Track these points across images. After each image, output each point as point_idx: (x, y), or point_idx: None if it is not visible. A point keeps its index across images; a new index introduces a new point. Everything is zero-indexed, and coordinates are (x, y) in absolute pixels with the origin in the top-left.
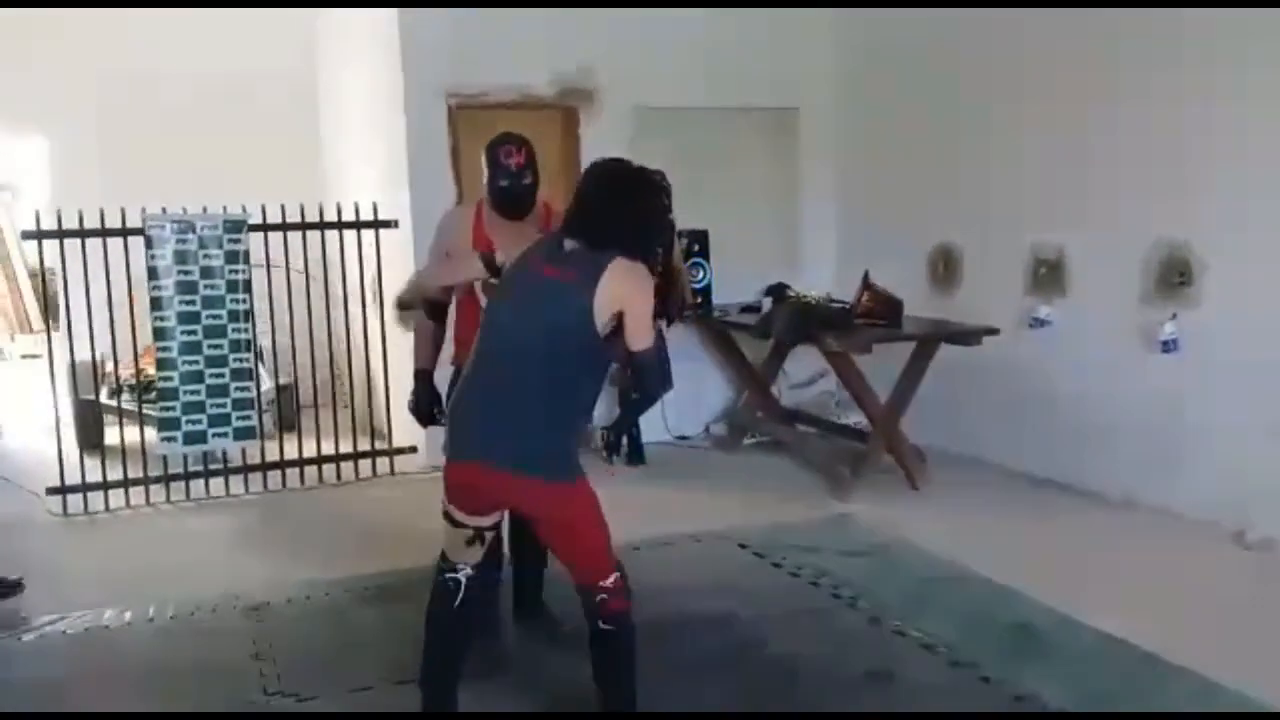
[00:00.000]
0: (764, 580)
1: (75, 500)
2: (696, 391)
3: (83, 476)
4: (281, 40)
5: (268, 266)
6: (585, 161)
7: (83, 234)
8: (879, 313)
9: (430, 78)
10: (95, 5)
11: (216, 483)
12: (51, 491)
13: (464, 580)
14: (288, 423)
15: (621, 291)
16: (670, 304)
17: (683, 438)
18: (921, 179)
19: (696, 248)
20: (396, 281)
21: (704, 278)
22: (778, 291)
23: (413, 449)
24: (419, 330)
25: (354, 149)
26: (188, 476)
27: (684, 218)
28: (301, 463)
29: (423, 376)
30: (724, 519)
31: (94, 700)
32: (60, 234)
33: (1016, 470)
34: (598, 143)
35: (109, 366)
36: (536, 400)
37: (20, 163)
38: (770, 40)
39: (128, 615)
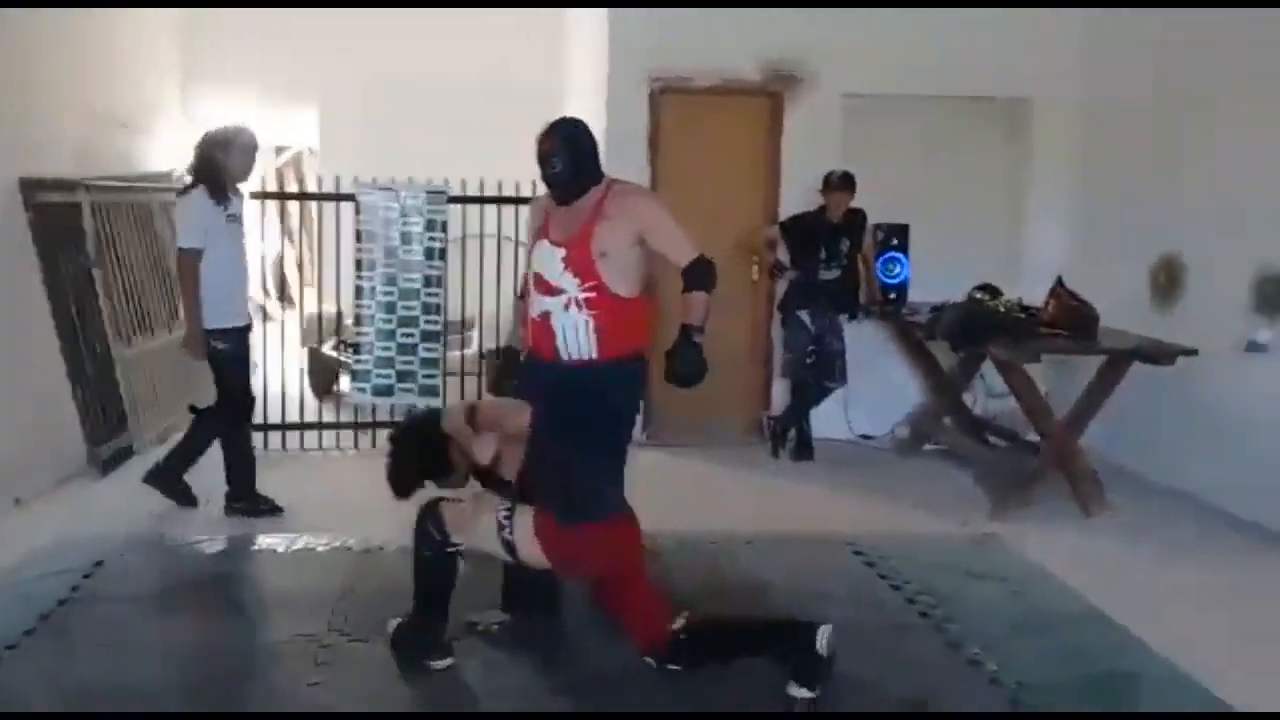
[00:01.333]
0: (858, 590)
1: (287, 438)
2: (885, 390)
3: (283, 417)
4: (529, 37)
5: (498, 237)
6: (789, 150)
7: (302, 196)
8: (1065, 323)
9: (634, 61)
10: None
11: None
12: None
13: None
14: (496, 385)
15: None
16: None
17: (866, 437)
18: (1152, 184)
19: (895, 242)
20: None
21: (900, 273)
22: (983, 293)
23: None
24: (516, 311)
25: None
26: (374, 425)
27: (885, 210)
28: None
29: (509, 354)
30: (856, 523)
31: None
32: (282, 196)
33: (1217, 508)
34: (802, 130)
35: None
36: None
37: (296, 131)
38: (1002, 26)
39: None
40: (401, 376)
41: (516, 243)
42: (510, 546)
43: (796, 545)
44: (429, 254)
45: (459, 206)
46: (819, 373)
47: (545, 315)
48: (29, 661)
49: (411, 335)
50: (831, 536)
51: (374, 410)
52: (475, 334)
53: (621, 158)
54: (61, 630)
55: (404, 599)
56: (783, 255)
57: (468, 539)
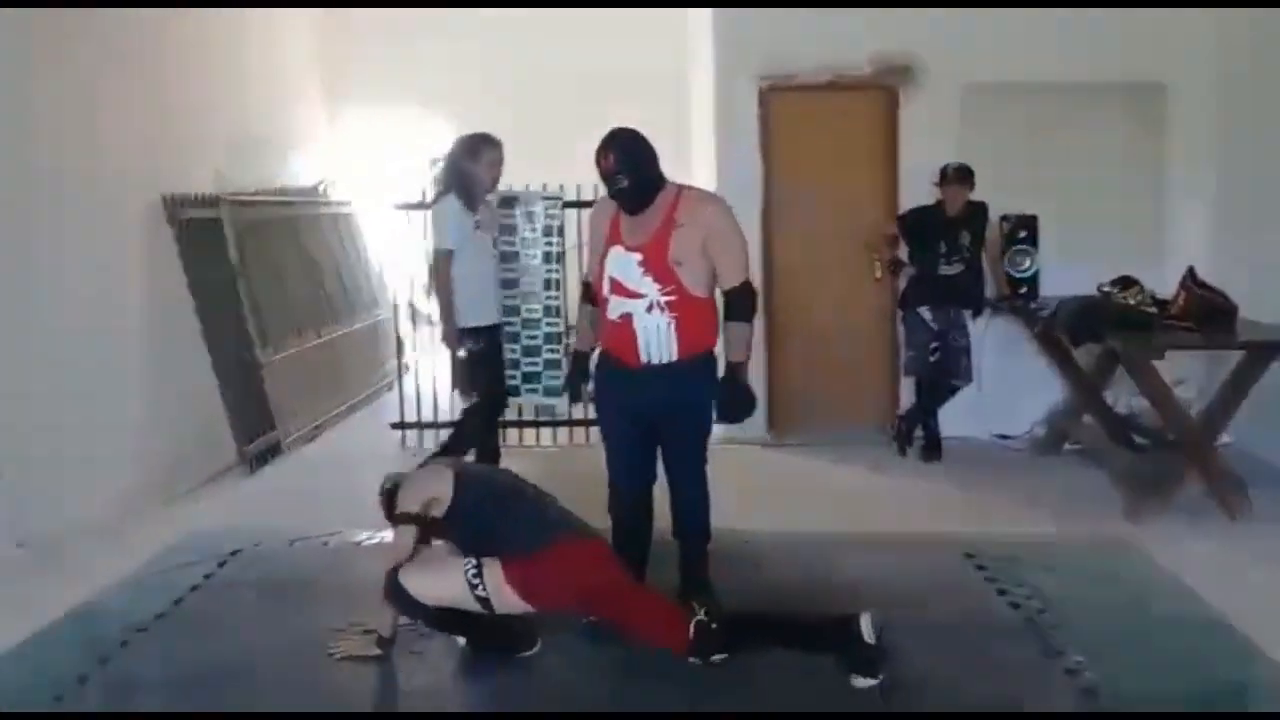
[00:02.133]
0: (962, 592)
1: (413, 436)
2: (1022, 388)
3: (419, 415)
4: (660, 38)
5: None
6: (906, 144)
7: (423, 206)
8: (1195, 315)
9: (742, 60)
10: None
11: (529, 431)
12: (394, 426)
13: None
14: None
15: None
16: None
17: (1003, 437)
18: None
19: (1022, 234)
20: None
21: (1029, 266)
22: (1116, 285)
23: None
24: (581, 313)
25: (694, 137)
26: (503, 425)
27: (1012, 201)
28: (579, 423)
29: (580, 358)
30: (977, 525)
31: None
32: (408, 206)
33: None
34: (919, 123)
35: None
36: None
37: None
38: (1130, 9)
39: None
40: (527, 378)
41: None
42: (485, 602)
43: (908, 546)
44: (547, 258)
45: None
46: (943, 370)
47: (626, 318)
48: (153, 642)
49: (535, 338)
50: (946, 538)
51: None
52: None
53: (733, 157)
54: (188, 616)
55: None
56: (902, 251)
57: (438, 603)
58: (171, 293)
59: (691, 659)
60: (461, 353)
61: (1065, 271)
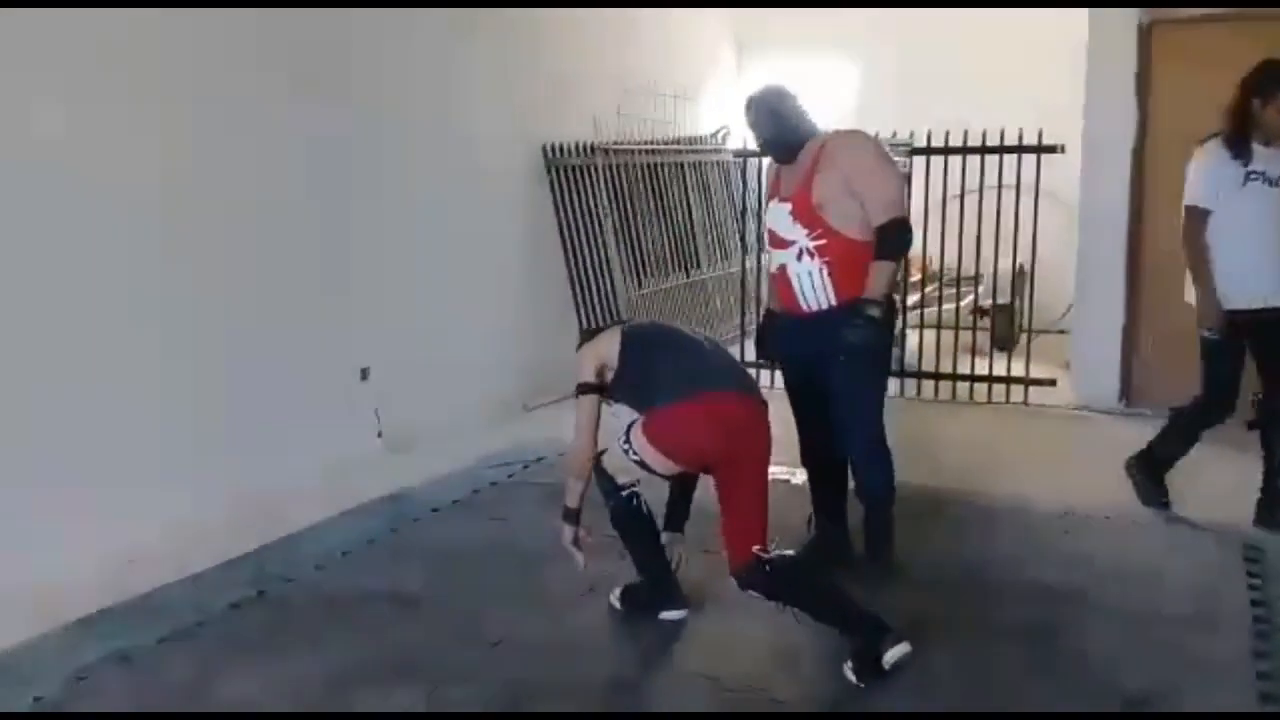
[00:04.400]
0: (1206, 582)
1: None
2: None
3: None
4: None
5: (999, 188)
6: None
7: (745, 154)
8: None
9: None
10: None
11: None
12: None
13: (638, 493)
14: (1001, 342)
15: None
16: None
17: None
18: None
19: None
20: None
21: None
22: None
23: (1051, 382)
24: (767, 270)
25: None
26: None
27: None
28: (927, 375)
29: (770, 315)
30: None
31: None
32: (745, 154)
33: None
34: None
35: None
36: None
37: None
38: None
39: None
40: None
41: (1018, 192)
42: (640, 463)
43: (1191, 532)
44: None
45: (973, 158)
46: None
47: (782, 269)
48: (439, 521)
49: None
50: (1236, 529)
51: None
52: (979, 289)
53: (1105, 101)
54: (476, 504)
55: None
56: None
57: (622, 474)
58: (545, 233)
59: (734, 579)
60: (1206, 333)
61: None
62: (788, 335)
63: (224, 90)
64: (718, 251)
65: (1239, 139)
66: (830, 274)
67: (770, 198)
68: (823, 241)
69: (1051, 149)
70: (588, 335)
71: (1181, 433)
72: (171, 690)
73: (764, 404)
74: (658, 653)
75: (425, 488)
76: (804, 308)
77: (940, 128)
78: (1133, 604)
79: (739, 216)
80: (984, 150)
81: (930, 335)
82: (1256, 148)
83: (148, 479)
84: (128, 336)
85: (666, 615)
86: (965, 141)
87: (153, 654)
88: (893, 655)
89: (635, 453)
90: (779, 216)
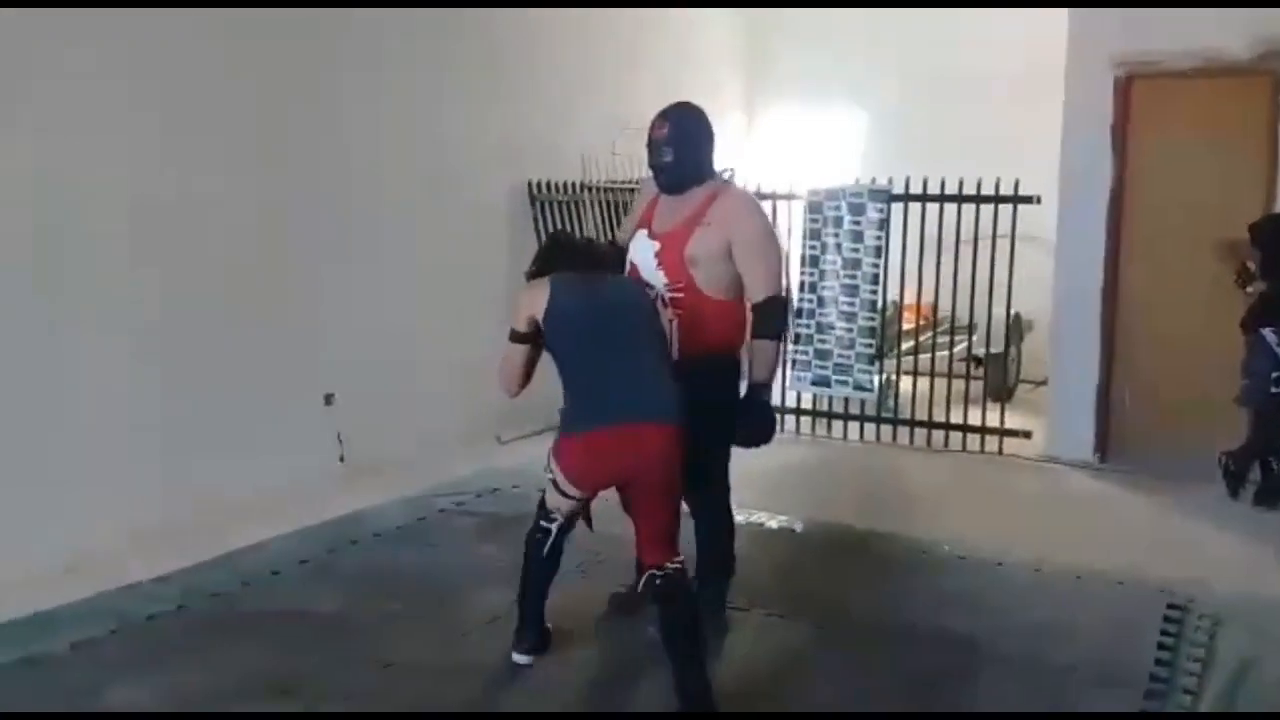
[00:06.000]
0: (1117, 638)
1: None
2: None
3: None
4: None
5: (993, 238)
6: None
7: (774, 196)
8: None
9: (1096, 44)
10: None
11: (838, 423)
12: None
13: (554, 532)
14: (994, 392)
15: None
16: None
17: None
18: None
19: None
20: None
21: None
22: None
23: (1027, 434)
24: None
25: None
26: (814, 414)
27: None
28: (902, 422)
29: None
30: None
31: None
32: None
33: None
34: None
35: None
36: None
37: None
38: None
39: None
40: (838, 369)
41: (1013, 240)
42: (554, 483)
43: (1118, 588)
44: (870, 251)
45: (966, 207)
46: None
47: None
48: (377, 547)
49: (850, 330)
50: (1177, 584)
51: (814, 400)
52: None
53: (1081, 151)
54: (415, 531)
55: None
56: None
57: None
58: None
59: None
60: None
61: None
62: None
63: (200, 102)
64: None
65: None
66: (679, 327)
67: (639, 225)
68: (680, 295)
69: (1028, 199)
70: (539, 260)
71: None
72: (65, 694)
73: (664, 427)
74: (541, 683)
75: (373, 513)
76: None
77: (948, 174)
78: (1032, 655)
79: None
80: (961, 199)
81: (923, 383)
82: None
83: (104, 483)
84: (99, 344)
85: (516, 658)
86: (943, 189)
87: (60, 660)
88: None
89: (551, 472)
90: (645, 253)
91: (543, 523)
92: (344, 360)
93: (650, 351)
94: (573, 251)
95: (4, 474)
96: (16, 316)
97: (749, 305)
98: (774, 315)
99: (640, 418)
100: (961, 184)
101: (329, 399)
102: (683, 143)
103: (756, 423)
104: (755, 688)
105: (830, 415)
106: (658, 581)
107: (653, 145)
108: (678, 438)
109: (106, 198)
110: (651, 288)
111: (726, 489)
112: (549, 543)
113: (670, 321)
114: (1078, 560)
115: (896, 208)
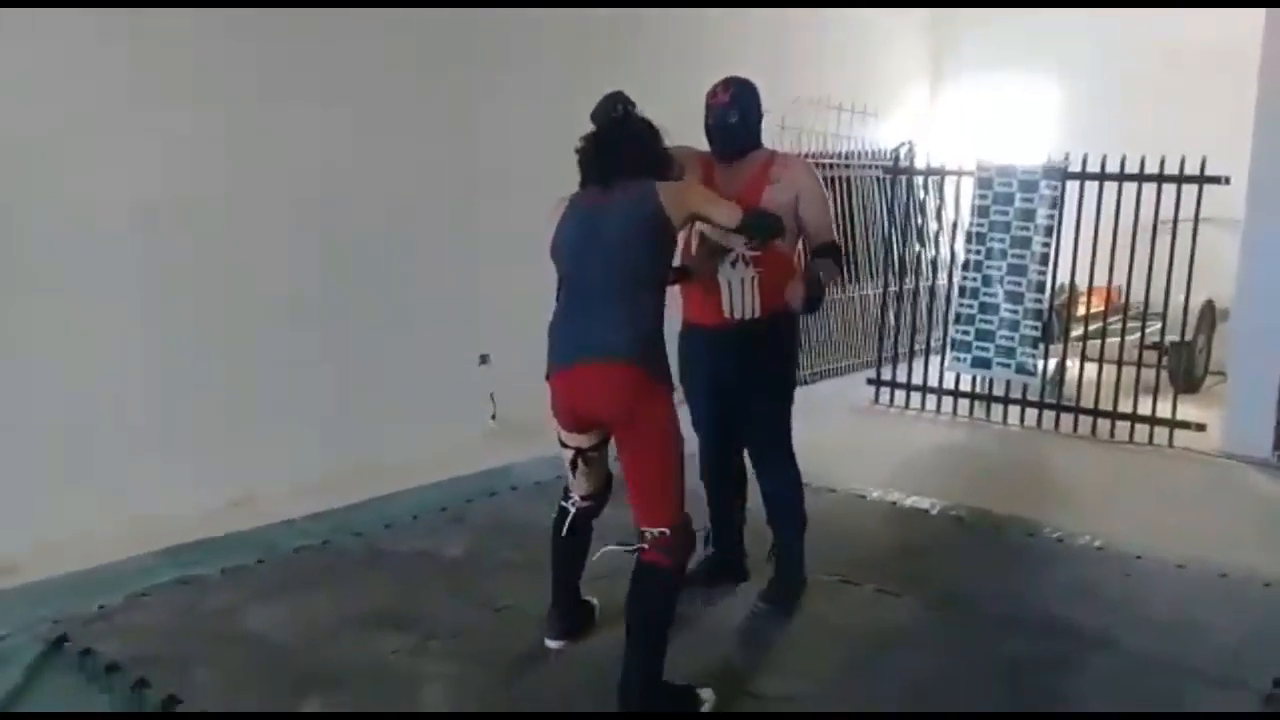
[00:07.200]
0: (1244, 652)
1: (884, 392)
2: None
3: (893, 376)
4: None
5: (1174, 221)
6: None
7: (923, 171)
8: None
9: None
10: None
11: (996, 406)
12: (869, 382)
13: (571, 510)
14: (1179, 383)
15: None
16: None
17: None
18: None
19: None
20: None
21: None
22: None
23: (1201, 426)
24: None
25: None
26: (972, 396)
27: None
28: (1062, 408)
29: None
30: None
31: None
32: (910, 171)
33: None
34: None
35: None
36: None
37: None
38: None
39: None
40: (1001, 351)
41: (1195, 224)
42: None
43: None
44: (1041, 230)
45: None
46: None
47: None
48: (513, 500)
49: (1016, 311)
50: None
51: (974, 381)
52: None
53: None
54: (549, 488)
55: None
56: None
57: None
58: None
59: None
60: None
61: None
62: (703, 347)
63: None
64: (894, 267)
65: None
66: (760, 284)
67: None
68: (759, 253)
69: (1215, 179)
70: (580, 162)
71: None
72: (206, 613)
73: (605, 366)
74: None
75: (516, 468)
76: (730, 315)
77: (1147, 147)
78: (1146, 650)
79: (900, 233)
80: (1141, 178)
81: (1098, 369)
82: None
83: (270, 442)
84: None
85: (548, 643)
86: (1122, 167)
87: (210, 581)
88: (709, 702)
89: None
90: None
91: (561, 502)
92: (498, 322)
93: (612, 290)
94: (611, 151)
95: (185, 427)
96: (209, 286)
97: (811, 251)
98: (836, 250)
99: (576, 358)
100: (1143, 162)
101: (484, 359)
102: (747, 107)
103: (814, 283)
104: (820, 656)
105: (990, 399)
106: (643, 548)
107: (719, 109)
108: (624, 377)
109: (275, 172)
110: (730, 249)
111: (789, 440)
112: (566, 522)
113: (753, 279)
114: (1228, 559)
115: (1072, 187)
